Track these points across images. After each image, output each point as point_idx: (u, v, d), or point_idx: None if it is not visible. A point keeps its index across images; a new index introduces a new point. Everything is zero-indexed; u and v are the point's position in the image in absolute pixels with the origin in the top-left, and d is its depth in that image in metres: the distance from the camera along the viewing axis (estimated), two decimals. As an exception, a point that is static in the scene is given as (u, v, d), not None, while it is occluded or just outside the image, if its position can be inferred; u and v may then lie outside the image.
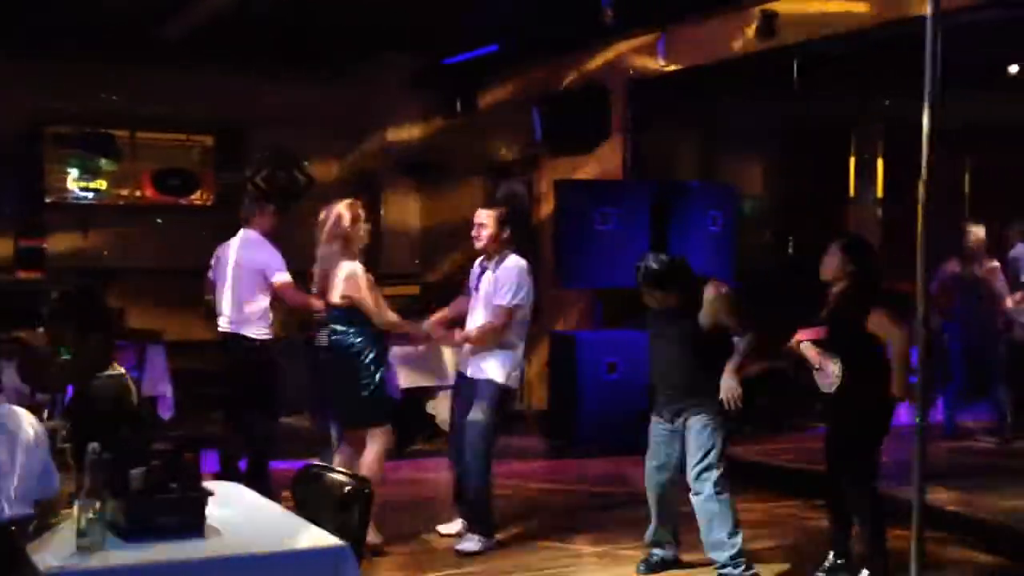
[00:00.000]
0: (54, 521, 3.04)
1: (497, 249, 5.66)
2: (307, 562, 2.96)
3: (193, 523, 3.00)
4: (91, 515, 2.83)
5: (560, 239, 8.60)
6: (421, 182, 11.52)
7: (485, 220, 5.66)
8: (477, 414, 5.57)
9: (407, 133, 11.40)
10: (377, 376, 5.40)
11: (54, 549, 2.86)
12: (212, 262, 6.63)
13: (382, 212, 11.22)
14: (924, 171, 3.57)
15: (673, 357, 5.11)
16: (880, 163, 10.94)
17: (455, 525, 5.84)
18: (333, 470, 3.43)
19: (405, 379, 7.91)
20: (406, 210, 11.58)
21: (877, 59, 8.03)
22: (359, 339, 5.37)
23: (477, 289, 5.72)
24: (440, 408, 7.92)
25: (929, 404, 6.92)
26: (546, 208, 9.41)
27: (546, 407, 8.88)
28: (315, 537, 3.05)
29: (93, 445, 2.90)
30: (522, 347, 5.73)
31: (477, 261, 5.83)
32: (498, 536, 5.75)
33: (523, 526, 6.11)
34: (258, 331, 6.38)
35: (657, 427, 5.23)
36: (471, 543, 5.60)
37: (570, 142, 9.10)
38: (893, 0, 6.70)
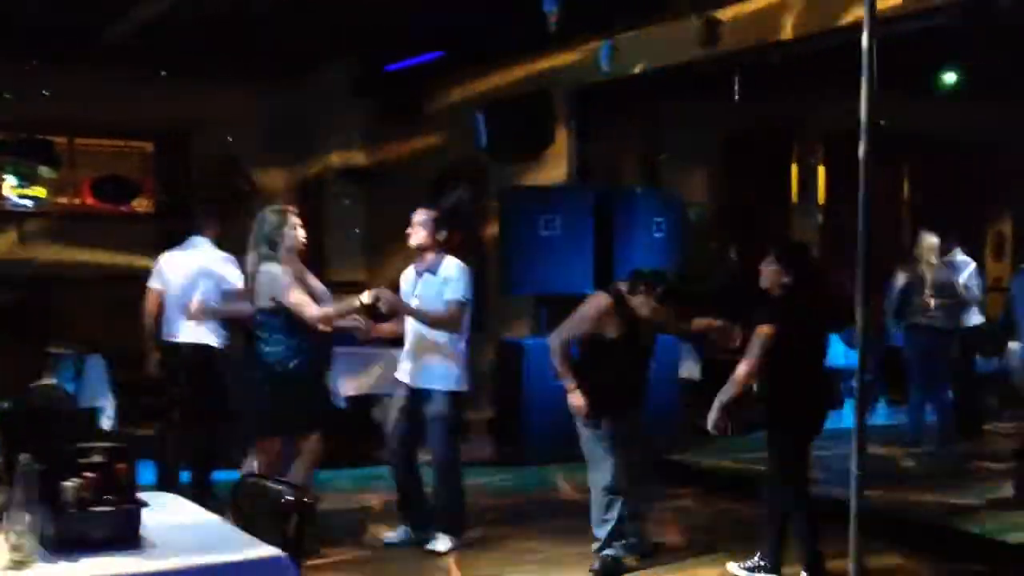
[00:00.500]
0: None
1: (434, 250, 5.64)
2: (246, 573, 2.91)
3: (128, 535, 2.94)
4: (22, 528, 2.77)
5: (505, 246, 8.60)
6: (366, 190, 11.46)
7: (422, 218, 5.64)
8: (440, 423, 5.56)
9: (352, 140, 11.34)
10: (303, 384, 5.33)
11: (-17, 564, 2.79)
12: (158, 270, 6.58)
13: (327, 220, 11.14)
14: (862, 177, 3.63)
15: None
16: (821, 170, 11.10)
17: (399, 532, 5.81)
18: (272, 479, 3.39)
19: (351, 386, 7.88)
20: (352, 218, 11.52)
21: (818, 66, 8.14)
22: (279, 347, 5.29)
23: (415, 293, 5.66)
24: (384, 415, 7.83)
25: (868, 408, 7.07)
26: (491, 215, 9.40)
27: (493, 414, 8.86)
28: (254, 548, 3.00)
29: (24, 457, 2.83)
30: (467, 349, 5.71)
31: (409, 269, 5.78)
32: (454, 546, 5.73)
33: (472, 532, 6.09)
34: (218, 339, 6.40)
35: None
36: (443, 543, 5.64)
37: (514, 149, 9.10)
38: (832, 8, 6.78)
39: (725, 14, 7.57)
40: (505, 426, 8.50)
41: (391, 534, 5.83)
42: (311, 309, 5.29)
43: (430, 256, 5.64)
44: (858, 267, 3.77)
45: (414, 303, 5.62)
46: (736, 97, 8.13)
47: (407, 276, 5.78)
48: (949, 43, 8.02)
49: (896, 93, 8.32)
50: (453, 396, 5.60)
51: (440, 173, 10.47)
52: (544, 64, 9.17)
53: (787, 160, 11.13)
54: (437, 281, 5.60)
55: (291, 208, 5.57)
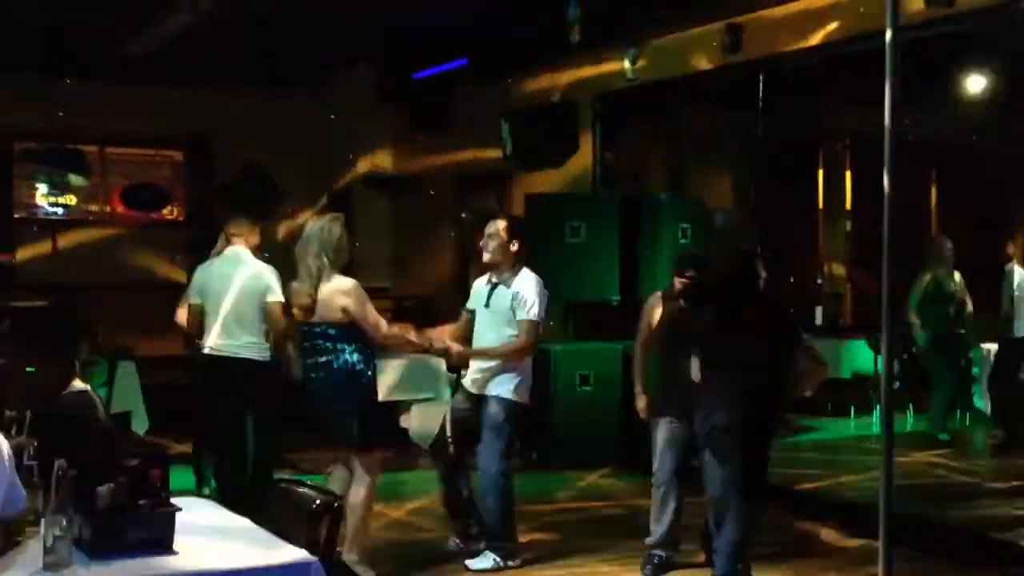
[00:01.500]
0: (20, 539, 3.02)
1: (510, 262, 5.48)
2: (277, 577, 2.96)
3: (161, 539, 2.99)
4: (58, 532, 2.81)
5: (530, 252, 8.61)
6: (392, 197, 11.52)
7: (496, 231, 5.45)
8: (494, 434, 5.40)
9: (377, 147, 11.41)
10: (374, 394, 5.22)
11: (20, 567, 2.84)
12: (197, 285, 6.39)
13: (353, 227, 11.19)
14: (887, 183, 3.63)
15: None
16: (848, 176, 11.06)
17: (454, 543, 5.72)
18: (302, 484, 3.43)
19: (380, 391, 7.90)
20: (377, 225, 11.58)
21: (843, 73, 8.13)
22: (357, 356, 5.10)
23: (488, 305, 5.49)
24: (418, 422, 7.78)
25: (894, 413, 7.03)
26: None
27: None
28: (285, 552, 3.04)
29: (60, 462, 2.89)
30: (531, 363, 5.60)
31: (482, 278, 5.61)
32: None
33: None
34: (261, 352, 6.26)
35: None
36: (485, 561, 5.45)
37: (539, 156, 9.14)
38: (856, 14, 6.78)
39: (749, 21, 7.58)
40: (530, 431, 8.51)
41: (478, 561, 5.50)
42: (384, 327, 5.19)
43: (504, 267, 5.48)
44: (883, 273, 3.77)
45: (484, 315, 5.49)
46: (761, 103, 8.13)
47: (479, 285, 5.63)
48: (977, 50, 7.98)
49: (923, 100, 8.31)
50: (511, 406, 5.43)
51: (465, 180, 10.52)
52: (569, 72, 9.21)
53: (814, 166, 11.09)
54: (509, 295, 5.44)
55: (342, 217, 5.43)
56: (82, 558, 2.89)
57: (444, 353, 5.81)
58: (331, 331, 5.09)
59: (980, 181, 11.42)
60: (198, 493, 6.27)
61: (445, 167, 10.72)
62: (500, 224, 5.49)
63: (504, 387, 5.42)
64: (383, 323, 5.21)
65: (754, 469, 4.89)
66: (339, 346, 5.08)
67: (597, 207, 8.66)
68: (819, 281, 11.04)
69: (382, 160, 11.42)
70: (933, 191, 11.59)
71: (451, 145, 10.64)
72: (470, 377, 5.58)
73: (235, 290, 6.24)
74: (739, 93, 8.54)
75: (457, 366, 5.86)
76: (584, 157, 9.05)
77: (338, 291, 5.06)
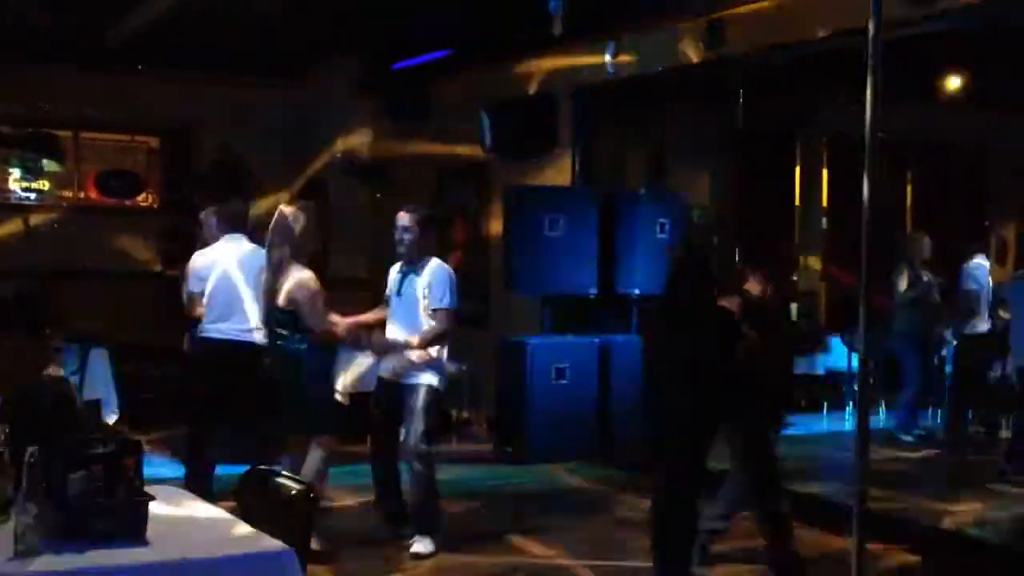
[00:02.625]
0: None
1: (420, 253, 5.65)
2: (250, 566, 2.93)
3: (134, 528, 2.96)
4: (29, 520, 2.78)
5: (509, 245, 8.62)
6: (371, 187, 11.47)
7: (408, 223, 5.63)
8: (416, 420, 5.55)
9: (357, 137, 11.35)
10: (320, 383, 5.36)
11: (-10, 554, 2.80)
12: (196, 273, 6.28)
13: (331, 217, 11.15)
14: (866, 182, 3.64)
15: None
16: (825, 173, 11.11)
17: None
18: (278, 474, 3.41)
19: (356, 383, 7.88)
20: (356, 215, 11.53)
21: (823, 69, 8.15)
22: (303, 344, 5.31)
23: (400, 293, 5.68)
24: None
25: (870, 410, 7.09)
26: (496, 215, 9.42)
27: (495, 413, 8.88)
28: (259, 541, 3.02)
29: (31, 449, 2.85)
30: (447, 349, 5.74)
31: (395, 267, 5.81)
32: (444, 543, 5.73)
33: (472, 530, 6.11)
34: (260, 337, 6.21)
35: None
36: (424, 545, 5.59)
37: (519, 149, 9.12)
38: (838, 12, 6.79)
39: (730, 16, 7.58)
40: (507, 425, 8.52)
41: (420, 546, 5.63)
42: (322, 321, 5.31)
43: (415, 257, 5.66)
44: (860, 270, 3.79)
45: (399, 302, 5.67)
46: (741, 99, 8.15)
47: (393, 274, 5.82)
48: (954, 48, 8.04)
49: (900, 98, 8.36)
50: (431, 392, 5.60)
51: (444, 172, 10.48)
52: (549, 64, 9.19)
53: (791, 163, 11.14)
54: (419, 283, 5.63)
55: (310, 207, 5.55)
56: (53, 546, 2.85)
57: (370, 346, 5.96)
58: (285, 319, 5.29)
59: (956, 179, 11.52)
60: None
61: (424, 158, 10.68)
62: (411, 216, 5.64)
63: (423, 375, 5.58)
64: (323, 322, 5.33)
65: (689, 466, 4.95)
66: (290, 333, 5.27)
67: (576, 200, 8.67)
68: (795, 278, 11.09)
69: (361, 150, 11.36)
70: (909, 189, 11.66)
71: (430, 136, 10.60)
72: (388, 366, 5.72)
73: (245, 272, 6.20)
74: (719, 88, 8.57)
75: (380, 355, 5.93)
76: (564, 150, 9.04)
77: (292, 280, 5.23)
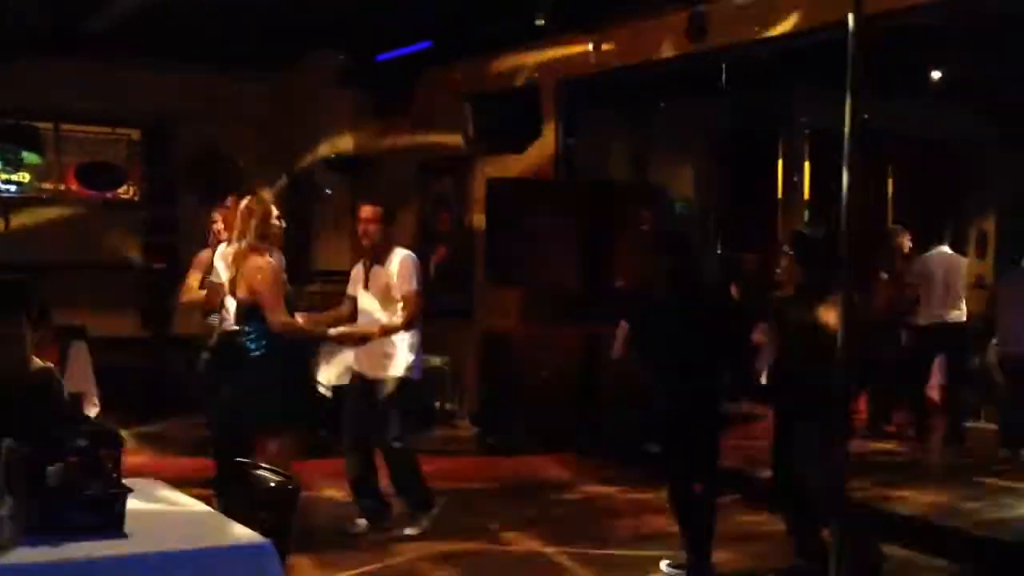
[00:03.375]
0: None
1: (385, 244, 5.69)
2: (230, 559, 2.93)
3: (112, 520, 2.95)
4: (5, 512, 2.77)
5: (492, 237, 8.62)
6: (354, 180, 11.44)
7: (372, 215, 5.66)
8: (391, 412, 5.60)
9: (340, 130, 11.31)
10: (287, 376, 5.28)
11: (-33, 547, 2.79)
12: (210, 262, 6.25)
13: (314, 209, 11.12)
14: (845, 175, 3.64)
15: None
16: (807, 167, 11.14)
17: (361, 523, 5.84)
18: (258, 467, 3.40)
19: (336, 376, 7.87)
20: (339, 208, 11.50)
21: (805, 64, 8.18)
22: (264, 337, 5.14)
23: (367, 287, 5.70)
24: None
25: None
26: (479, 207, 9.41)
27: (479, 405, 8.89)
28: (238, 534, 3.01)
29: (8, 441, 2.84)
30: (419, 339, 5.74)
31: (358, 265, 5.83)
32: (428, 532, 5.79)
33: (455, 522, 6.12)
34: None
35: None
36: (414, 526, 5.74)
37: (502, 141, 9.12)
38: (819, 5, 6.81)
39: (713, 9, 7.59)
40: (490, 417, 8.53)
41: (358, 523, 5.81)
42: (284, 316, 5.14)
43: (380, 249, 5.69)
44: (842, 265, 3.79)
45: (366, 296, 5.68)
46: (723, 93, 8.17)
47: (356, 271, 5.84)
48: (936, 43, 8.07)
49: (883, 92, 8.39)
50: (405, 383, 5.63)
51: (428, 164, 10.47)
52: (533, 57, 9.18)
53: (774, 156, 11.16)
54: (385, 273, 5.66)
55: (273, 197, 5.58)
56: (31, 539, 2.84)
57: (337, 339, 5.80)
58: (246, 310, 5.21)
59: (937, 173, 11.57)
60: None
61: (407, 150, 10.66)
62: (374, 209, 5.68)
63: (396, 366, 5.60)
64: (282, 313, 5.15)
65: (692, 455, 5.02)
66: (252, 325, 5.14)
67: (559, 193, 8.67)
68: (777, 270, 11.10)
69: (344, 142, 11.32)
70: (890, 183, 11.71)
71: (414, 128, 10.58)
72: (356, 359, 5.75)
73: None
74: (703, 82, 8.58)
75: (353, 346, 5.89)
76: (547, 142, 9.04)
77: (252, 269, 5.13)
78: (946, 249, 8.62)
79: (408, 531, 5.75)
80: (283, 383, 5.18)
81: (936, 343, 8.43)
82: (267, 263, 5.14)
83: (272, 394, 5.12)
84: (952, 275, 8.44)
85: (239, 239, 5.25)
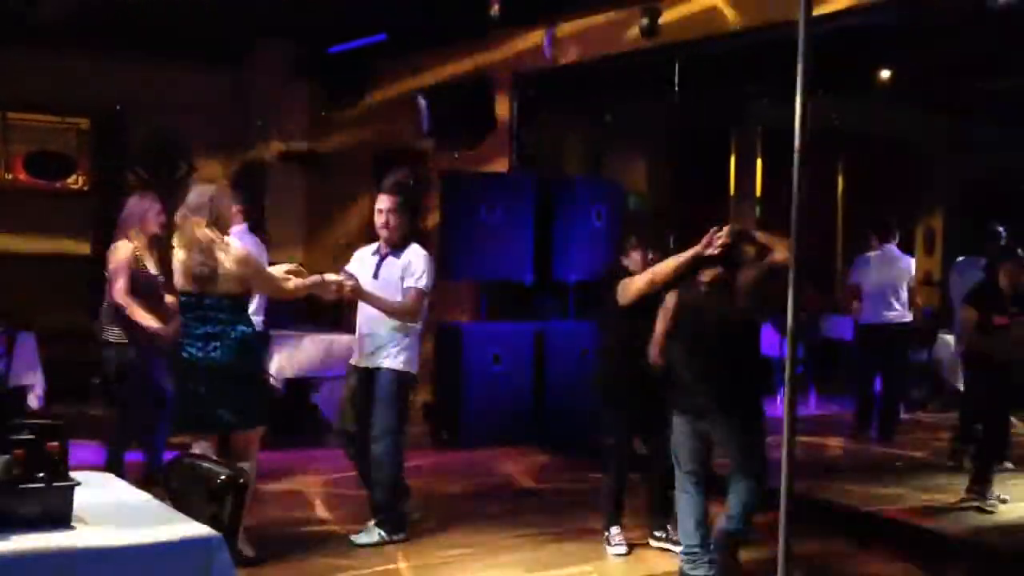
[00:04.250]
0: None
1: (403, 237, 5.52)
2: (179, 553, 2.90)
3: (59, 513, 2.92)
4: (-51, 506, 2.73)
5: (446, 231, 8.62)
6: (308, 172, 11.37)
7: (391, 205, 5.48)
8: (385, 406, 5.45)
9: (293, 122, 11.23)
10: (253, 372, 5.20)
11: (-91, 542, 2.74)
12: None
13: (267, 202, 11.04)
14: (796, 173, 3.69)
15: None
16: (759, 163, 11.26)
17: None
18: (207, 459, 3.38)
19: (289, 368, 7.84)
20: (292, 200, 11.42)
21: (758, 60, 8.25)
22: (250, 329, 5.05)
23: (376, 276, 5.51)
24: (329, 400, 7.70)
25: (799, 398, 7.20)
26: (433, 200, 9.39)
27: (432, 399, 8.88)
28: (187, 528, 2.99)
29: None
30: (419, 336, 5.64)
31: (365, 249, 5.67)
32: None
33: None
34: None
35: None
36: (371, 536, 5.51)
37: (457, 134, 9.09)
38: (769, 4, 6.88)
39: (667, 5, 7.64)
40: (443, 411, 8.52)
41: (363, 536, 5.56)
42: (289, 283, 5.10)
43: (397, 240, 5.52)
44: (790, 258, 3.84)
45: (372, 286, 5.47)
46: (677, 89, 8.22)
47: (363, 257, 5.64)
48: (885, 44, 8.18)
49: (833, 91, 8.50)
50: (401, 377, 5.49)
51: (382, 157, 10.42)
52: (487, 50, 9.18)
53: (726, 153, 11.26)
54: (399, 265, 5.50)
55: (224, 181, 5.46)
56: (-25, 533, 2.80)
57: (338, 291, 5.45)
58: (224, 302, 4.94)
59: (886, 170, 11.75)
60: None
61: (361, 143, 10.62)
62: (393, 199, 5.50)
63: (392, 359, 5.47)
64: (284, 281, 5.11)
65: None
66: (232, 318, 4.95)
67: (513, 187, 8.68)
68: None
69: (298, 135, 11.25)
70: (840, 179, 11.86)
71: (367, 121, 10.54)
72: (358, 351, 5.59)
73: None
74: (657, 77, 8.63)
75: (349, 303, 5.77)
76: (501, 136, 9.04)
77: (233, 260, 4.92)
78: (892, 248, 8.67)
79: (359, 538, 5.52)
80: (248, 379, 5.06)
81: (877, 343, 8.49)
82: (244, 250, 5.05)
83: (239, 390, 4.99)
84: (897, 275, 8.49)
85: (200, 225, 4.95)
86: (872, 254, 8.59)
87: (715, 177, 11.15)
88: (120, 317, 6.10)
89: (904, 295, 8.44)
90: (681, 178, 11.14)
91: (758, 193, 11.28)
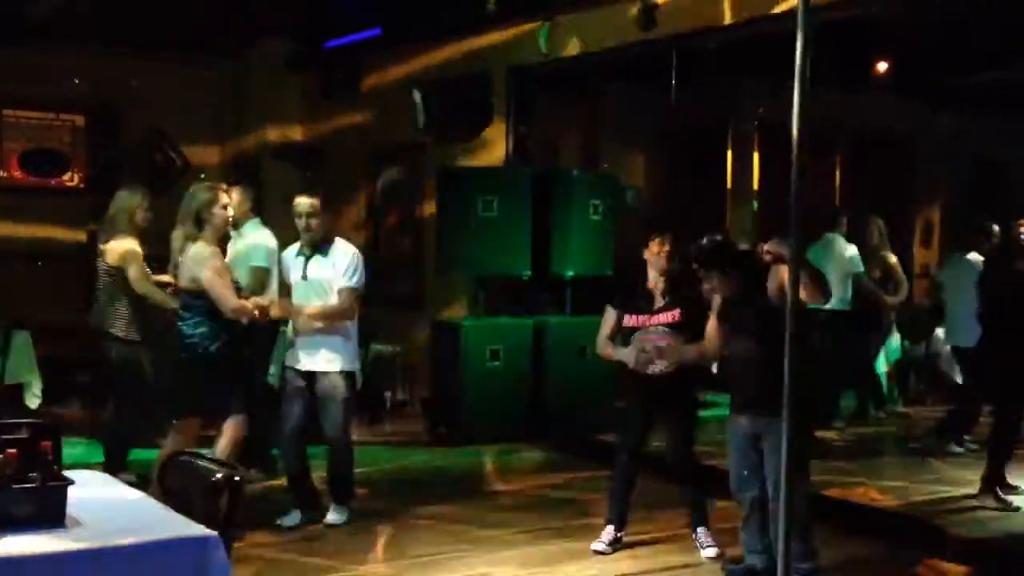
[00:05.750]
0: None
1: (326, 235, 5.66)
2: (174, 552, 2.88)
3: (52, 513, 2.89)
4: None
5: (442, 226, 8.59)
6: (303, 167, 11.33)
7: (313, 207, 5.61)
8: (336, 404, 5.63)
9: (288, 117, 11.20)
10: (224, 366, 5.35)
11: (-99, 542, 2.72)
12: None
13: (262, 198, 10.99)
14: (795, 166, 3.67)
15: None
16: (756, 157, 11.23)
17: (294, 516, 5.78)
18: (202, 457, 3.35)
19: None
20: (288, 196, 11.36)
21: (755, 54, 8.22)
22: (202, 328, 5.28)
23: (305, 277, 5.66)
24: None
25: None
26: (430, 195, 9.37)
27: (429, 394, 8.86)
28: (182, 526, 2.97)
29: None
30: (356, 330, 5.77)
31: (291, 249, 5.79)
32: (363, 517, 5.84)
33: (404, 512, 6.11)
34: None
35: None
36: (342, 514, 5.76)
37: (453, 128, 9.06)
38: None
39: (663, -1, 7.61)
40: (440, 406, 8.50)
41: (287, 518, 5.77)
42: (231, 300, 5.33)
43: (321, 239, 5.65)
44: (789, 254, 3.82)
45: (303, 286, 5.65)
46: (673, 82, 8.19)
47: (290, 256, 5.78)
48: (884, 34, 8.16)
49: (830, 85, 8.47)
50: (347, 376, 5.66)
51: (378, 152, 10.40)
52: (483, 43, 9.14)
53: (723, 146, 11.23)
54: (328, 264, 5.63)
55: (222, 186, 5.53)
56: (-33, 533, 2.78)
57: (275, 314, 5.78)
58: (188, 299, 5.33)
59: (883, 164, 11.73)
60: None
61: (358, 138, 10.59)
62: (313, 200, 5.62)
63: (335, 361, 5.62)
64: (231, 298, 5.34)
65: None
66: (187, 315, 5.31)
67: (510, 181, 8.65)
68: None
69: (293, 130, 11.22)
70: (838, 173, 11.84)
71: (363, 116, 10.50)
72: (293, 355, 5.72)
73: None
74: (653, 71, 8.60)
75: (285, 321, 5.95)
76: (498, 130, 9.02)
77: (194, 259, 5.24)
78: (832, 238, 8.43)
79: (332, 518, 5.74)
80: (233, 371, 5.35)
81: (821, 332, 8.09)
82: (208, 251, 5.25)
83: (224, 381, 5.30)
84: (833, 264, 8.15)
85: (180, 225, 5.31)
86: (816, 244, 8.40)
87: (712, 170, 11.12)
88: (139, 314, 6.12)
89: (841, 284, 8.05)
90: (678, 171, 11.12)
91: (755, 186, 11.25)
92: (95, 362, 6.55)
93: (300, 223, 5.63)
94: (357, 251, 5.73)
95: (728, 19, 7.25)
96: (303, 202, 5.62)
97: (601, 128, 10.18)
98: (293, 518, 5.75)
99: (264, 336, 6.47)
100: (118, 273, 6.17)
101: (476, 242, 8.35)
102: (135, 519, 3.04)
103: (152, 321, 6.27)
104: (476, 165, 9.13)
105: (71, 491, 2.95)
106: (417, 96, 8.72)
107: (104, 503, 3.17)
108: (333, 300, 5.62)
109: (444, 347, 8.41)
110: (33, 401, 7.54)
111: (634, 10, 7.63)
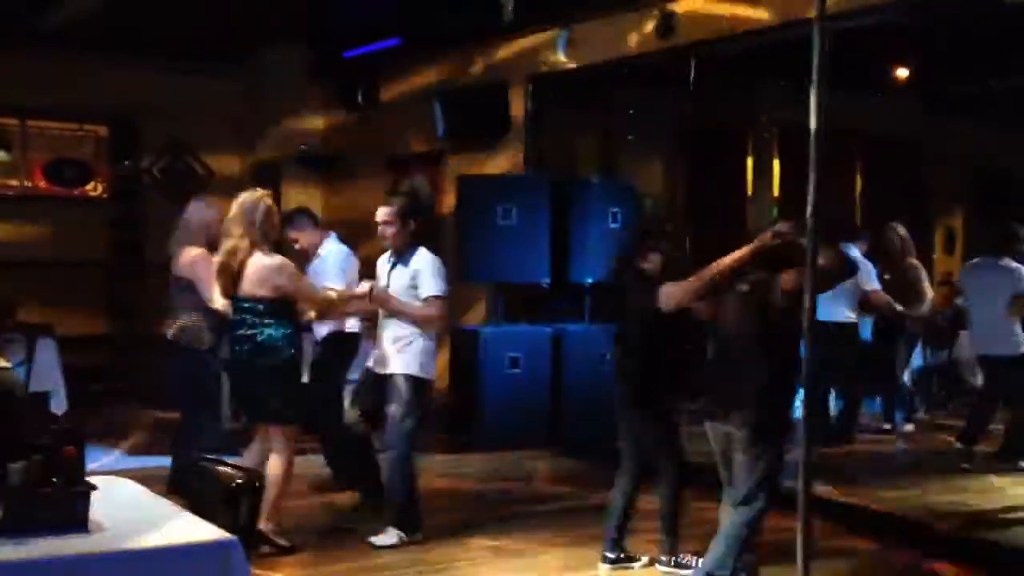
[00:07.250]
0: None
1: (406, 244, 5.59)
2: (194, 556, 2.92)
3: (76, 518, 2.93)
4: (-33, 511, 2.75)
5: (462, 234, 8.62)
6: (323, 175, 11.41)
7: (388, 217, 5.57)
8: (401, 411, 5.49)
9: (308, 126, 11.28)
10: (298, 372, 5.35)
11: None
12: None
13: (282, 206, 11.07)
14: (812, 173, 3.67)
15: None
16: (776, 164, 11.20)
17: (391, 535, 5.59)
18: (222, 463, 3.38)
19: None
20: (308, 204, 11.44)
21: (774, 60, 8.22)
22: (281, 332, 5.20)
23: (388, 285, 5.60)
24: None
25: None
26: (449, 203, 9.40)
27: (448, 402, 8.87)
28: (203, 531, 3.00)
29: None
30: (435, 340, 5.70)
31: (384, 256, 5.75)
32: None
33: (424, 521, 6.10)
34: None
35: None
36: (390, 538, 5.51)
37: (472, 137, 9.10)
38: (785, 3, 6.85)
39: (681, 6, 7.62)
40: (460, 413, 8.52)
41: (383, 538, 5.55)
42: (320, 295, 5.52)
43: (402, 247, 5.60)
44: (808, 263, 3.81)
45: (391, 290, 5.60)
46: (693, 89, 8.20)
47: (382, 263, 5.76)
48: (905, 40, 8.14)
49: (851, 90, 8.45)
50: (417, 382, 5.53)
51: (397, 161, 10.45)
52: (501, 52, 9.18)
53: (743, 153, 11.21)
54: (407, 273, 5.57)
55: (268, 193, 5.49)
56: (-7, 537, 2.82)
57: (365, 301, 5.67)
58: (259, 307, 5.19)
59: (905, 170, 11.68)
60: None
61: (376, 146, 10.64)
62: (389, 210, 5.60)
63: (409, 364, 5.52)
64: (320, 292, 5.55)
65: None
66: (264, 321, 5.19)
67: (528, 189, 8.66)
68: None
69: (312, 139, 11.29)
70: (858, 180, 11.80)
71: (382, 124, 10.55)
72: (375, 355, 5.68)
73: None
74: (672, 78, 8.60)
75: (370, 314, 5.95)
76: (516, 138, 9.04)
77: (268, 268, 5.16)
78: (849, 248, 8.42)
79: (376, 540, 5.50)
80: (293, 378, 5.32)
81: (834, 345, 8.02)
82: (279, 259, 5.24)
83: (287, 387, 5.25)
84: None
85: (244, 235, 5.16)
86: None
87: (732, 177, 11.10)
88: (220, 324, 5.99)
89: (843, 295, 7.89)
90: (697, 179, 11.10)
91: (776, 193, 11.23)
92: (121, 370, 6.58)
93: (379, 232, 5.62)
94: (437, 259, 5.61)
95: (747, 26, 7.25)
96: (379, 211, 5.61)
97: (619, 135, 10.18)
98: (389, 538, 5.53)
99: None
100: (188, 284, 6.14)
101: (495, 250, 8.37)
102: (156, 523, 3.08)
103: (218, 329, 6.18)
104: (495, 173, 9.16)
105: (94, 496, 2.99)
106: (436, 105, 8.76)
107: (127, 508, 3.21)
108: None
109: (464, 354, 8.42)
110: (59, 409, 7.59)
111: (653, 17, 7.65)
